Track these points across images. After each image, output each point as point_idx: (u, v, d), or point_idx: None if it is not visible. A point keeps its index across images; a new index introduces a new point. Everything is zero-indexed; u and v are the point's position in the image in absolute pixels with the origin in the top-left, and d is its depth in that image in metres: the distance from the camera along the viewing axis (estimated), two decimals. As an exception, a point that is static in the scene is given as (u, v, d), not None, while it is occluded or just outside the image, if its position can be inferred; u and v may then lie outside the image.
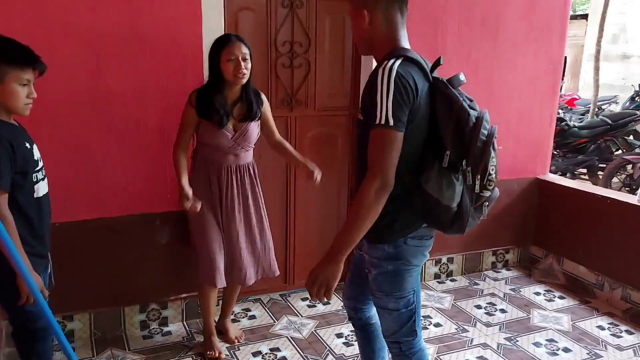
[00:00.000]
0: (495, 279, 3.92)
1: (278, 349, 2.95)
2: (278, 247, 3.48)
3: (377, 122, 1.68)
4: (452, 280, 3.88)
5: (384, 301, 1.95)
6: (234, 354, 2.90)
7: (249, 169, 2.76)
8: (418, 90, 1.72)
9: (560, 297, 3.66)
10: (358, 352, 2.69)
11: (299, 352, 2.92)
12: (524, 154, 3.97)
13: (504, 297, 3.64)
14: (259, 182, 2.84)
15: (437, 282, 3.85)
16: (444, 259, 3.88)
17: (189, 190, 2.57)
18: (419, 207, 1.81)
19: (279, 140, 2.90)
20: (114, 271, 2.98)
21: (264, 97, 2.80)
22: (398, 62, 1.71)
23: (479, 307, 3.49)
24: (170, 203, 2.99)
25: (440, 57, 1.82)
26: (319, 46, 3.33)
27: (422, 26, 3.39)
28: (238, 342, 3.00)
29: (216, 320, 3.04)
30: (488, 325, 3.26)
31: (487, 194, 1.77)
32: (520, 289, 3.76)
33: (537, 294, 3.70)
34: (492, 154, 1.72)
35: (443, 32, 3.48)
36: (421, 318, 2.10)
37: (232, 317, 3.17)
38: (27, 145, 2.02)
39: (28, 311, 2.05)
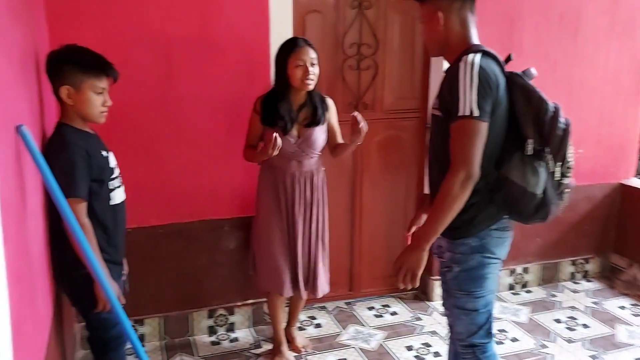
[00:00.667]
0: (575, 291, 3.68)
1: (346, 360, 2.87)
2: (343, 255, 3.42)
3: (461, 114, 1.72)
4: (527, 292, 3.68)
5: (463, 301, 1.95)
6: (302, 363, 2.85)
7: (313, 177, 2.66)
8: (499, 83, 1.77)
9: (649, 312, 3.40)
10: None
11: (368, 364, 2.84)
12: (606, 158, 3.72)
13: (585, 310, 3.41)
14: (325, 191, 2.76)
15: (512, 293, 3.65)
16: (519, 269, 3.69)
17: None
18: (501, 199, 1.84)
19: (337, 144, 2.79)
20: (183, 276, 2.99)
21: (330, 101, 2.72)
22: (479, 55, 1.77)
23: (558, 321, 3.28)
24: (238, 209, 2.98)
25: (510, 54, 1.90)
26: (388, 47, 3.22)
27: (497, 24, 3.23)
28: (305, 351, 2.94)
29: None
30: (570, 341, 3.05)
31: (566, 180, 1.83)
32: (603, 302, 3.52)
33: (622, 307, 3.45)
34: (569, 142, 1.79)
35: (519, 29, 3.30)
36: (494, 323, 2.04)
37: (298, 325, 3.12)
38: (103, 153, 2.03)
39: (102, 319, 2.06)
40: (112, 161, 2.09)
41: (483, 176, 1.78)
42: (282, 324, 2.90)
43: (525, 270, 3.71)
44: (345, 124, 3.18)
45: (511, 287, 3.69)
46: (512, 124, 1.83)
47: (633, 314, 3.36)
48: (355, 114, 2.52)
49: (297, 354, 2.91)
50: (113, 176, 2.06)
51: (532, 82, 1.83)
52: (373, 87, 3.26)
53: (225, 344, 3.03)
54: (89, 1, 2.52)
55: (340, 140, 2.78)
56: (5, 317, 1.11)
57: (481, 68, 1.73)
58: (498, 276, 2.01)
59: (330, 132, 2.73)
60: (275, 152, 2.40)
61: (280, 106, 2.52)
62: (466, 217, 1.83)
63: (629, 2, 3.49)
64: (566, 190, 1.85)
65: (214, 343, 3.03)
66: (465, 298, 1.94)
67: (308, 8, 3.03)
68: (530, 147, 1.79)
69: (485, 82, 1.73)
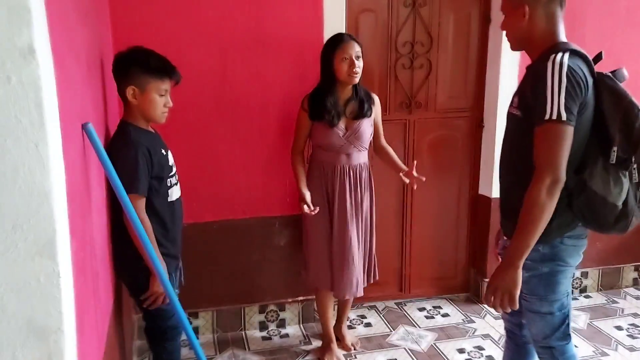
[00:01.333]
0: (638, 298, 3.53)
1: (396, 360, 2.86)
2: (393, 254, 3.41)
3: (548, 117, 1.66)
4: (586, 297, 3.55)
5: (537, 305, 1.91)
6: (351, 361, 2.86)
7: (362, 171, 2.68)
8: (588, 84, 1.70)
9: None
10: None
11: (418, 365, 2.82)
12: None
13: (649, 318, 3.27)
14: (372, 185, 2.78)
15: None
16: (577, 273, 3.56)
17: (305, 193, 2.61)
18: (580, 207, 1.77)
19: (383, 145, 2.82)
20: (236, 271, 3.05)
21: (376, 97, 2.74)
22: (567, 55, 1.69)
23: (619, 328, 3.15)
24: (289, 207, 3.01)
25: (601, 52, 1.82)
26: (442, 46, 3.19)
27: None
28: (355, 349, 2.95)
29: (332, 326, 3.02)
30: (632, 349, 2.93)
31: None
32: (668, 310, 3.36)
33: (690, 317, 3.28)
34: None
35: (581, 24, 3.18)
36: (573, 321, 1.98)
37: (347, 323, 3.13)
38: (163, 151, 2.11)
39: (160, 310, 2.14)
40: (171, 159, 2.16)
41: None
42: (331, 321, 2.92)
43: (584, 274, 3.58)
44: (397, 123, 3.21)
45: (568, 292, 3.57)
46: (598, 128, 1.76)
47: (701, 324, 3.19)
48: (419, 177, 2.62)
49: (346, 352, 2.92)
50: (171, 174, 2.14)
51: (623, 85, 1.74)
52: (426, 85, 3.23)
53: (276, 339, 3.08)
54: (150, 5, 2.61)
55: (382, 140, 2.80)
56: (70, 305, 1.17)
57: (570, 68, 1.66)
58: (572, 278, 1.96)
59: (375, 129, 2.74)
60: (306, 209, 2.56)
61: (327, 100, 2.55)
62: None
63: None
64: None
65: (264, 338, 3.09)
66: (539, 302, 1.90)
67: (361, 7, 3.03)
68: (614, 155, 1.72)
69: (574, 84, 1.66)
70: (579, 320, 3.24)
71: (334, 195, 2.67)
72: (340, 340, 2.98)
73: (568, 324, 1.93)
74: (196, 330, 3.06)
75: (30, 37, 0.98)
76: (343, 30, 2.87)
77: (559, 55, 1.69)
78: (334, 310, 3.02)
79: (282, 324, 3.20)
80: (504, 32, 1.90)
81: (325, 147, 2.64)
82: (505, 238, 1.98)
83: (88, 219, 1.49)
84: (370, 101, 2.68)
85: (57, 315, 1.11)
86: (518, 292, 1.75)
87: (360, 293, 2.78)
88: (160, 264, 1.93)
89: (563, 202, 1.76)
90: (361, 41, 2.92)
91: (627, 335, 3.07)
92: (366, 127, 2.65)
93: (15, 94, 1.00)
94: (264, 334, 3.13)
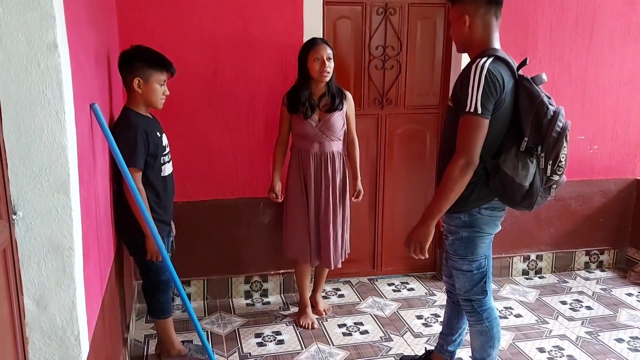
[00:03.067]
0: (587, 279, 3.91)
1: (361, 324, 3.26)
2: (367, 237, 3.81)
3: (467, 109, 2.02)
4: (540, 277, 3.93)
5: (459, 263, 2.29)
6: (322, 324, 3.25)
7: (334, 159, 3.07)
8: (504, 85, 2.02)
9: (655, 300, 3.58)
10: (434, 332, 3.10)
11: (379, 327, 3.21)
12: (622, 154, 3.92)
13: (593, 295, 3.64)
14: (344, 173, 3.16)
15: (525, 277, 3.93)
16: (533, 256, 3.95)
17: (275, 185, 3.13)
18: (495, 185, 2.11)
19: (352, 140, 3.20)
20: (224, 245, 3.47)
21: (349, 95, 3.13)
22: (489, 60, 2.03)
23: (564, 302, 3.54)
24: (272, 188, 3.43)
25: (526, 59, 2.14)
26: (410, 49, 3.60)
27: (513, 28, 3.52)
28: (326, 314, 3.36)
29: (309, 295, 3.42)
30: (570, 319, 3.31)
31: (556, 177, 2.08)
32: (612, 289, 3.73)
33: (630, 294, 3.65)
34: (565, 144, 2.02)
35: (534, 33, 3.58)
36: (491, 280, 2.38)
37: (322, 294, 3.53)
38: (158, 134, 2.53)
39: (155, 265, 2.56)
40: (165, 141, 2.59)
41: (482, 162, 2.08)
42: (308, 289, 3.32)
43: (539, 257, 3.96)
44: (370, 117, 3.62)
45: (525, 273, 3.96)
46: (515, 122, 2.09)
47: (638, 300, 3.56)
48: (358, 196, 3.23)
49: (319, 317, 3.33)
50: (164, 152, 2.57)
51: (541, 86, 2.07)
52: (396, 85, 3.64)
53: (259, 305, 3.49)
54: (152, 9, 3.05)
55: (352, 135, 3.19)
56: (79, 231, 1.59)
57: (489, 71, 1.99)
58: (491, 243, 2.32)
59: (347, 121, 3.13)
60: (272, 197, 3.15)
61: (302, 95, 2.97)
62: (462, 195, 2.11)
63: (644, 7, 3.69)
64: (554, 186, 2.10)
65: (248, 305, 3.50)
66: (461, 261, 2.28)
67: (338, 14, 3.45)
68: (524, 144, 2.04)
69: (491, 84, 1.98)
70: (528, 296, 3.63)
71: (309, 178, 3.08)
72: (315, 306, 3.39)
73: (486, 282, 2.31)
74: (188, 296, 3.47)
75: (55, 36, 1.41)
76: (320, 34, 3.29)
77: (483, 59, 2.03)
78: (310, 282, 3.43)
79: (265, 293, 3.62)
80: (455, 38, 2.25)
81: (301, 136, 3.05)
82: None
83: (93, 176, 1.92)
84: (342, 97, 3.08)
85: (69, 237, 1.53)
86: (427, 245, 2.17)
87: (337, 264, 3.17)
88: (153, 226, 2.36)
89: (481, 180, 2.14)
90: (338, 45, 3.38)
91: (569, 308, 3.45)
92: (337, 119, 3.06)
93: (42, 75, 1.42)
94: (249, 301, 3.55)
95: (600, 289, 3.74)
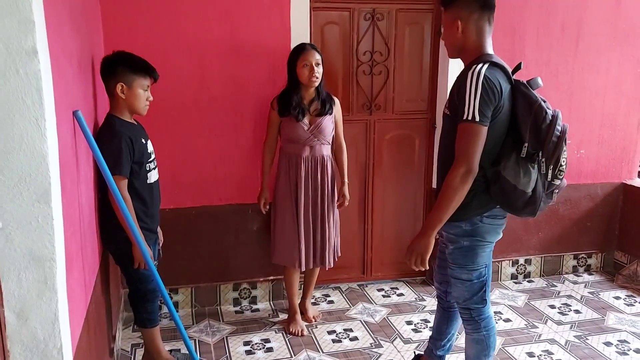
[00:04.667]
0: (575, 282, 3.92)
1: (351, 330, 3.24)
2: (357, 243, 3.79)
3: (465, 117, 1.98)
4: (529, 282, 3.94)
5: (458, 272, 2.25)
6: (312, 331, 3.23)
7: (324, 162, 3.07)
8: (502, 91, 2.00)
9: (643, 303, 3.60)
10: (424, 338, 3.08)
11: (369, 334, 3.19)
12: (608, 158, 3.94)
13: (581, 299, 3.65)
14: (334, 177, 3.16)
15: (514, 282, 3.93)
16: (521, 260, 3.95)
17: (264, 193, 3.14)
18: (496, 192, 2.08)
19: (340, 145, 3.21)
20: (212, 252, 3.44)
21: (337, 100, 3.14)
22: (485, 66, 2.00)
23: (552, 306, 3.54)
24: (260, 195, 3.41)
25: (520, 63, 2.13)
26: (398, 55, 3.60)
27: (500, 33, 3.49)
28: (315, 321, 3.33)
29: (297, 300, 3.40)
30: (559, 323, 3.31)
31: (557, 182, 2.05)
32: (600, 293, 3.74)
33: (617, 298, 3.66)
34: (564, 147, 2.01)
35: (521, 38, 3.60)
36: (490, 290, 2.35)
37: (312, 300, 3.51)
38: (143, 140, 2.50)
39: (141, 274, 2.53)
40: (150, 147, 2.56)
41: (480, 171, 2.04)
42: (297, 296, 3.30)
43: (528, 261, 3.97)
44: (359, 123, 3.61)
45: (514, 277, 3.96)
46: (513, 128, 2.07)
47: (626, 304, 3.58)
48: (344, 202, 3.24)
49: (308, 324, 3.30)
50: (150, 160, 2.53)
51: (536, 91, 2.05)
52: (385, 90, 3.63)
53: (247, 313, 3.46)
54: (138, 15, 3.02)
55: (340, 139, 3.20)
56: (61, 242, 1.56)
57: (486, 78, 1.96)
58: (492, 252, 2.28)
59: (335, 126, 3.13)
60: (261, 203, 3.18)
61: (293, 99, 2.96)
62: (462, 204, 2.05)
63: (629, 12, 3.73)
64: (556, 191, 2.08)
65: (237, 312, 3.47)
66: (460, 270, 2.23)
67: (326, 20, 3.45)
68: (525, 150, 2.02)
69: (488, 91, 1.96)
70: (517, 300, 3.63)
71: (299, 182, 3.06)
72: (304, 313, 3.36)
73: (485, 291, 2.27)
74: (176, 304, 3.44)
75: (34, 42, 1.38)
76: (308, 40, 3.28)
77: (479, 66, 2.00)
78: (300, 288, 3.40)
79: (254, 300, 3.59)
80: (447, 43, 2.20)
81: (292, 139, 3.04)
82: None
83: (77, 185, 1.89)
84: (331, 101, 3.09)
85: (51, 248, 1.49)
86: (428, 256, 2.11)
87: (330, 264, 3.18)
88: (138, 235, 2.33)
89: (482, 188, 2.10)
90: (326, 50, 3.37)
91: (558, 312, 3.46)
92: (327, 123, 3.05)
93: (22, 82, 1.39)
94: (237, 308, 3.51)
95: (589, 292, 3.75)
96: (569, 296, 3.69)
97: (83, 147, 2.05)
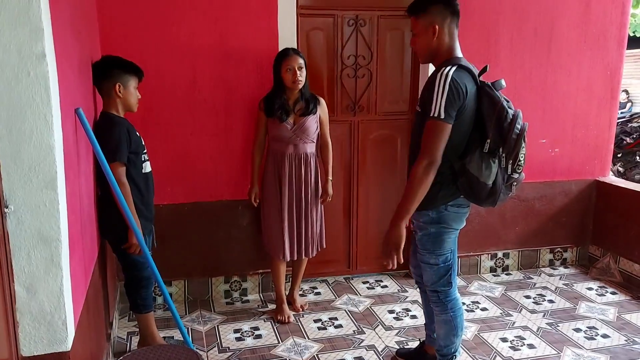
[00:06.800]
0: (551, 275, 4.11)
1: (336, 319, 3.42)
2: (342, 238, 3.97)
3: (432, 114, 2.17)
4: (507, 274, 4.14)
5: (427, 257, 2.46)
6: (298, 319, 3.41)
7: (307, 160, 3.26)
8: (467, 92, 2.19)
9: (613, 293, 3.79)
10: (405, 325, 3.30)
11: (353, 322, 3.38)
12: (582, 157, 4.14)
13: (555, 290, 3.85)
14: (317, 173, 3.35)
15: (492, 274, 4.12)
16: (500, 254, 4.15)
17: (253, 189, 3.32)
18: (462, 184, 2.28)
19: (325, 143, 3.40)
20: (205, 247, 3.62)
21: (322, 101, 3.34)
22: (454, 69, 2.19)
23: (528, 297, 3.73)
24: (250, 191, 3.59)
25: (486, 66, 2.33)
26: (380, 58, 3.80)
27: (475, 38, 3.74)
28: (302, 310, 3.52)
29: (286, 292, 3.59)
30: (533, 312, 3.51)
31: (515, 175, 2.25)
32: (574, 284, 3.94)
33: (590, 289, 3.86)
34: (523, 144, 2.19)
35: (496, 42, 3.81)
36: (457, 274, 2.56)
37: (300, 292, 3.69)
38: (137, 133, 2.70)
39: (136, 262, 2.71)
40: (142, 140, 2.76)
41: (447, 165, 2.25)
42: (283, 286, 3.48)
43: (506, 255, 4.16)
44: (344, 123, 3.81)
45: (492, 270, 4.16)
46: (478, 125, 2.26)
47: (598, 294, 3.77)
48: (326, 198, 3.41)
49: (295, 313, 3.49)
50: (144, 151, 2.74)
51: (501, 92, 2.25)
52: (368, 92, 3.83)
53: (238, 304, 3.64)
54: (131, 23, 3.20)
55: (325, 138, 3.39)
56: (65, 224, 1.74)
57: (453, 80, 2.14)
58: (457, 239, 2.49)
59: (320, 125, 3.32)
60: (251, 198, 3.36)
61: (277, 101, 3.16)
62: (430, 193, 2.26)
63: (598, 17, 3.94)
64: (514, 183, 2.28)
65: (228, 303, 3.65)
66: (428, 255, 2.45)
67: (311, 26, 3.64)
68: (487, 146, 2.21)
69: (454, 92, 2.14)
70: (495, 291, 3.82)
71: (284, 178, 3.25)
72: (292, 303, 3.55)
73: (451, 274, 2.48)
74: (170, 296, 3.60)
75: (43, 47, 1.56)
76: (294, 45, 3.47)
77: (447, 68, 2.19)
78: (288, 281, 3.58)
79: (244, 292, 3.76)
80: (421, 49, 2.34)
81: (277, 138, 3.23)
82: None
83: (78, 176, 2.07)
84: (316, 102, 3.28)
85: (57, 229, 1.68)
86: (401, 245, 2.29)
87: (313, 253, 3.38)
88: (134, 220, 2.51)
89: (449, 179, 2.31)
90: (311, 54, 3.57)
91: (532, 302, 3.65)
92: (311, 122, 3.24)
93: (32, 82, 1.58)
94: (228, 300, 3.69)
95: (563, 284, 3.95)
96: (544, 287, 3.89)
97: (83, 142, 2.23)
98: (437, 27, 2.26)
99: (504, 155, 2.22)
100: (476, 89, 2.25)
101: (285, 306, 3.44)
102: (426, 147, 2.20)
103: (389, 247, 2.31)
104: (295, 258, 3.37)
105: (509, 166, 2.22)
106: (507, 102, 2.24)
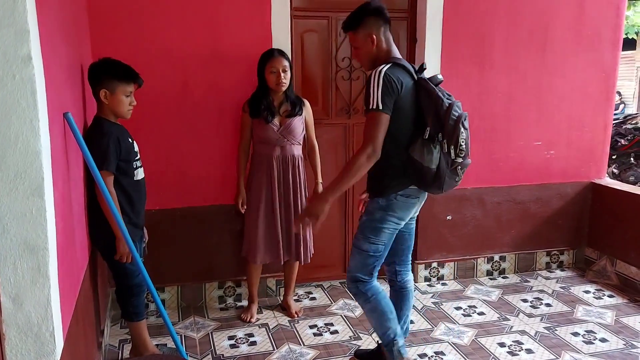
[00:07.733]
0: (548, 278, 4.09)
1: (332, 324, 3.37)
2: (338, 242, 3.93)
3: (370, 107, 2.35)
4: (503, 278, 4.11)
5: (360, 242, 2.57)
6: (294, 325, 3.36)
7: (295, 162, 3.23)
8: (403, 84, 2.37)
9: (610, 296, 3.77)
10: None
11: (349, 327, 3.33)
12: (577, 159, 4.13)
13: (552, 293, 3.82)
14: (304, 175, 3.32)
15: (489, 278, 4.09)
16: (496, 257, 4.12)
17: (240, 195, 3.29)
18: (411, 172, 2.43)
19: (312, 146, 3.39)
20: (198, 252, 3.56)
21: (307, 102, 3.32)
22: (387, 66, 2.39)
23: (525, 300, 3.70)
24: (244, 196, 3.54)
25: (423, 63, 2.55)
26: (375, 61, 3.75)
27: (470, 40, 3.71)
28: (297, 316, 3.47)
29: (281, 298, 3.54)
30: (530, 316, 3.47)
31: (459, 160, 2.37)
32: (571, 288, 3.91)
33: (587, 292, 3.84)
34: (462, 130, 2.34)
35: (491, 45, 3.78)
36: (379, 268, 2.63)
37: (295, 297, 3.65)
38: (129, 140, 2.64)
39: (128, 269, 2.65)
40: (136, 147, 2.70)
41: (396, 156, 2.40)
42: (255, 286, 3.45)
43: (503, 258, 4.13)
44: (338, 126, 3.77)
45: (489, 273, 4.12)
46: (419, 116, 2.42)
47: (595, 297, 3.75)
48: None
49: (290, 319, 3.44)
50: (136, 158, 2.67)
51: (441, 85, 2.43)
52: (362, 94, 3.78)
53: (232, 310, 3.58)
54: (123, 25, 3.16)
55: (312, 141, 3.38)
56: (53, 232, 1.69)
57: (386, 74, 2.33)
58: (394, 234, 2.56)
59: (306, 127, 3.30)
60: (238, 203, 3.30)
61: (262, 102, 3.13)
62: (383, 184, 2.46)
63: (592, 19, 3.93)
64: (459, 167, 2.39)
65: (222, 309, 3.59)
66: (362, 240, 2.56)
67: (305, 28, 3.61)
68: (427, 133, 2.37)
69: (387, 85, 2.32)
70: (492, 295, 3.79)
71: (273, 181, 3.21)
72: (287, 309, 3.50)
73: (375, 267, 2.58)
74: (163, 303, 3.52)
75: (29, 49, 1.51)
76: (288, 47, 3.43)
77: (381, 66, 2.37)
78: (280, 285, 3.53)
79: (238, 298, 3.71)
80: (364, 58, 2.53)
81: (263, 140, 3.19)
82: (367, 193, 2.62)
83: (67, 182, 2.02)
84: (301, 103, 3.26)
85: (44, 238, 1.62)
86: (322, 219, 2.41)
87: (307, 260, 3.36)
88: (124, 228, 2.46)
89: (400, 169, 2.45)
90: (305, 57, 3.55)
91: (530, 306, 3.62)
92: (297, 124, 3.21)
93: (17, 86, 1.52)
94: (222, 306, 3.64)
95: (560, 287, 3.93)
96: (541, 291, 3.86)
97: (73, 147, 2.18)
98: (374, 36, 2.46)
99: (445, 141, 2.35)
100: (413, 83, 2.41)
101: (254, 307, 3.45)
102: (367, 136, 2.34)
103: (308, 215, 2.43)
104: (292, 258, 3.32)
105: (452, 151, 2.34)
106: (449, 95, 2.40)
